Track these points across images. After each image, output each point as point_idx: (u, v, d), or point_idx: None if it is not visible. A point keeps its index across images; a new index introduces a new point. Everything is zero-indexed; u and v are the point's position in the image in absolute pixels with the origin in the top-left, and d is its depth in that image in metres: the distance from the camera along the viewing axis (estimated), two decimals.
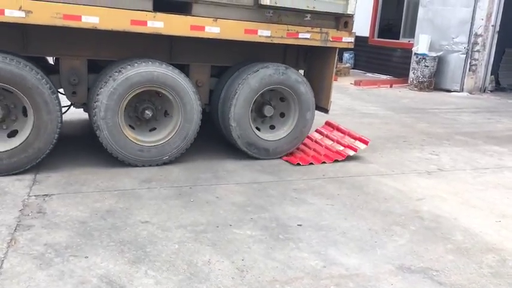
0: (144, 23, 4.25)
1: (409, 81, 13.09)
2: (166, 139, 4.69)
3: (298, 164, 5.09)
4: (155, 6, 4.30)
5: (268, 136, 5.19)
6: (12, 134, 4.29)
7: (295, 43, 5.01)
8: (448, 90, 12.75)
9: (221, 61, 5.23)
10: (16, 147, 4.17)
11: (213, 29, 4.52)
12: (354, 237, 3.46)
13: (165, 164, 4.72)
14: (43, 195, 3.81)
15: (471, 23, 12.39)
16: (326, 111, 5.58)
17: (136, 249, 3.05)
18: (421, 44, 12.79)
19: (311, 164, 5.12)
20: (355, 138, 5.60)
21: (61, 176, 4.22)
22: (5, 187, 3.92)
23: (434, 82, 12.81)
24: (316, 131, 5.96)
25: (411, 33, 13.89)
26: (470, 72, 12.71)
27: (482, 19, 12.30)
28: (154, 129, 4.79)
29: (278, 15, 4.81)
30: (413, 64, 12.91)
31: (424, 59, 12.58)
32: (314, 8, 4.81)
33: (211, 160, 4.98)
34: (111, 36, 4.39)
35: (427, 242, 3.47)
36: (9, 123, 4.30)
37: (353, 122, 7.39)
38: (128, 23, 4.19)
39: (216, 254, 3.08)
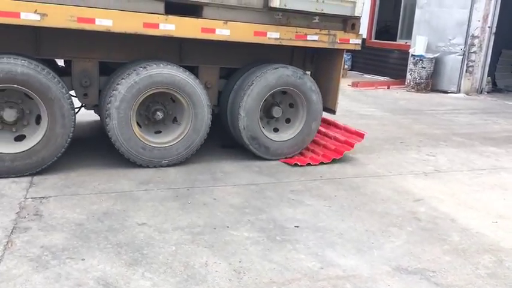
0: (156, 26, 4.32)
1: (406, 83, 13.13)
2: (170, 144, 4.72)
3: (296, 165, 5.10)
4: (167, 9, 4.37)
5: (272, 136, 5.23)
6: (19, 139, 4.30)
7: (304, 45, 5.08)
8: (445, 92, 12.79)
9: (230, 63, 5.29)
10: (21, 152, 4.17)
11: (223, 32, 4.59)
12: (351, 238, 3.47)
13: (162, 166, 4.71)
14: (40, 197, 3.80)
15: (468, 24, 12.44)
16: (333, 112, 5.66)
17: (133, 252, 3.05)
18: (418, 45, 12.83)
19: (309, 164, 5.13)
20: (351, 133, 5.62)
21: (58, 178, 4.21)
22: (1, 189, 3.91)
23: (432, 83, 12.85)
24: None
25: (408, 35, 13.94)
26: (467, 73, 12.75)
27: (479, 20, 12.35)
28: (160, 132, 4.82)
29: (287, 17, 4.87)
30: (410, 65, 12.95)
31: (421, 60, 12.62)
32: (322, 10, 4.89)
33: (208, 162, 4.98)
34: (122, 38, 4.44)
35: (424, 243, 3.48)
36: (19, 127, 4.31)
37: (350, 124, 7.33)
38: (140, 26, 4.26)
39: (213, 255, 3.08)
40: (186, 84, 4.64)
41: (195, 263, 2.97)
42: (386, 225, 3.75)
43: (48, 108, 4.19)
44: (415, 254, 3.29)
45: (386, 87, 13.04)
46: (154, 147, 4.64)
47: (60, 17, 3.97)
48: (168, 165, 4.73)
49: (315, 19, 4.98)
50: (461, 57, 12.64)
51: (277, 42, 4.88)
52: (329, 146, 5.53)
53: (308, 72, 5.52)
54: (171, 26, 4.36)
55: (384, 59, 14.59)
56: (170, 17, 4.35)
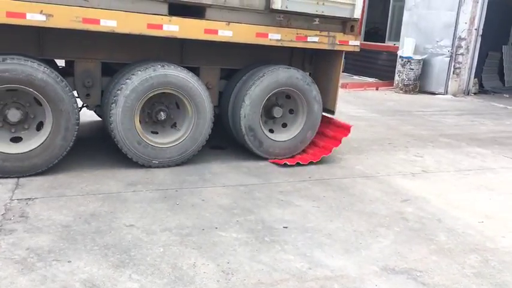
0: (160, 27, 4.35)
1: (394, 84, 13.23)
2: (165, 146, 4.74)
3: (285, 165, 5.12)
4: (170, 10, 4.40)
5: (268, 133, 5.26)
6: (15, 140, 4.27)
7: (304, 46, 5.13)
8: (433, 93, 12.91)
9: (231, 64, 5.34)
10: (15, 154, 4.14)
11: (225, 33, 4.64)
12: (339, 239, 3.48)
13: (151, 166, 4.69)
14: (26, 199, 3.76)
15: (455, 26, 12.58)
16: (332, 112, 5.70)
17: (121, 253, 3.03)
18: (406, 47, 12.94)
19: (298, 163, 5.15)
20: (338, 126, 5.63)
21: (44, 180, 4.17)
22: None
23: (419, 85, 12.96)
24: None
25: (396, 37, 14.05)
26: (454, 75, 12.89)
27: (466, 23, 12.49)
28: (157, 133, 4.83)
29: (288, 19, 4.93)
30: (398, 67, 13.05)
31: (409, 62, 12.73)
32: (323, 12, 4.95)
33: (197, 162, 4.97)
34: (125, 39, 4.48)
35: (411, 243, 3.50)
36: (18, 128, 4.29)
37: None
38: (144, 27, 4.29)
39: (201, 257, 3.07)
40: (197, 94, 4.74)
41: (183, 264, 2.95)
42: (374, 225, 3.77)
43: (55, 118, 4.22)
44: (402, 254, 3.32)
45: (375, 88, 13.12)
46: (149, 144, 4.63)
47: (66, 18, 3.99)
48: (158, 167, 4.71)
49: (315, 21, 5.06)
50: (449, 59, 12.77)
51: (279, 44, 4.93)
52: (317, 143, 5.55)
53: (307, 73, 5.58)
54: (175, 27, 4.41)
55: (372, 60, 14.68)
56: (174, 18, 4.40)
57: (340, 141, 5.43)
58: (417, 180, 5.06)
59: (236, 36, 4.70)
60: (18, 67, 4.00)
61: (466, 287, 2.97)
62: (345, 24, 5.23)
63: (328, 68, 5.65)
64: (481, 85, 14.18)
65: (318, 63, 5.83)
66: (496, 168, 5.80)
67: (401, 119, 8.75)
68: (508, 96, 13.70)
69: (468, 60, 12.96)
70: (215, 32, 4.59)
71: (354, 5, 5.07)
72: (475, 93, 13.52)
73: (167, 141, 4.77)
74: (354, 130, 7.07)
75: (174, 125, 4.89)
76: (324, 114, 5.61)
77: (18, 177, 4.17)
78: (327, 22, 5.12)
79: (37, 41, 4.38)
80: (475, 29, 12.68)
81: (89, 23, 4.08)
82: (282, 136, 5.35)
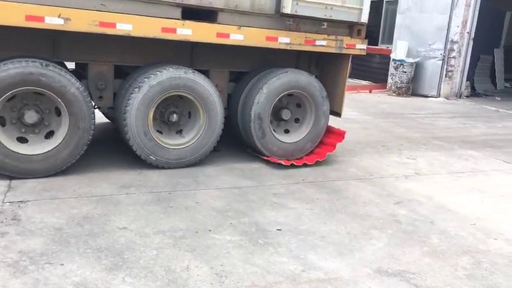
0: (174, 31, 4.43)
1: (387, 87, 13.32)
2: (167, 146, 4.77)
3: (280, 164, 5.14)
4: (183, 14, 4.49)
5: (272, 128, 5.31)
6: (22, 140, 4.29)
7: (313, 50, 5.22)
8: (426, 96, 13.00)
9: (239, 67, 5.45)
10: (17, 153, 4.14)
11: (237, 36, 4.73)
12: (332, 241, 3.49)
13: (146, 160, 4.68)
14: (18, 201, 3.73)
15: (447, 30, 12.69)
16: (339, 115, 5.79)
17: (114, 256, 3.01)
18: (399, 50, 13.03)
19: (292, 165, 5.17)
20: (333, 132, 5.68)
21: (37, 182, 4.14)
22: None
23: (412, 88, 13.05)
24: None
25: (389, 40, 14.15)
26: (447, 78, 12.99)
27: (458, 26, 12.60)
28: (161, 132, 4.87)
29: (297, 23, 5.02)
30: (391, 70, 13.15)
31: (402, 65, 12.82)
32: (331, 16, 5.06)
33: (190, 165, 4.96)
34: (136, 42, 4.54)
35: (404, 245, 3.52)
36: (28, 130, 4.31)
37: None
38: (158, 30, 4.37)
39: (194, 259, 3.06)
40: (213, 105, 4.85)
41: (177, 267, 2.95)
42: (367, 227, 3.79)
43: (70, 133, 4.30)
44: (395, 256, 3.33)
45: (368, 91, 13.20)
46: (153, 138, 4.65)
47: (83, 22, 4.06)
48: (152, 165, 4.71)
49: (324, 25, 5.15)
50: (441, 62, 12.88)
51: (288, 47, 5.02)
52: (313, 150, 5.57)
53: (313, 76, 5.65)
54: (188, 31, 4.48)
55: (366, 63, 14.75)
56: (187, 22, 4.47)
57: (335, 147, 5.47)
58: (410, 182, 5.08)
59: (247, 40, 4.79)
60: (57, 76, 4.12)
61: None
62: (352, 28, 5.34)
63: (334, 71, 5.75)
64: (473, 88, 14.31)
65: (324, 66, 5.93)
66: (487, 171, 5.84)
67: (394, 121, 8.80)
68: (499, 99, 13.83)
69: (460, 63, 13.07)
70: (227, 35, 4.69)
71: (361, 9, 5.18)
72: (467, 96, 13.64)
73: (179, 142, 4.85)
74: (348, 132, 7.12)
75: (180, 132, 4.97)
76: None
77: (11, 178, 4.14)
78: (335, 26, 5.24)
79: (52, 44, 4.45)
80: (467, 33, 12.80)
81: (105, 26, 4.16)
82: (284, 138, 5.41)
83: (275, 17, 4.91)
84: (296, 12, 4.82)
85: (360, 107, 10.26)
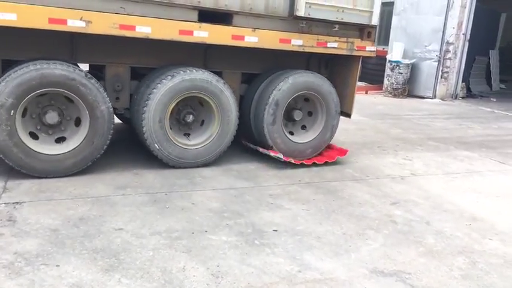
0: (191, 33, 4.55)
1: (383, 88, 13.35)
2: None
3: (276, 165, 5.21)
4: (200, 17, 4.60)
5: (284, 121, 5.46)
6: (33, 136, 4.32)
7: (324, 52, 5.33)
8: (421, 97, 13.05)
9: (251, 68, 5.55)
10: (28, 147, 4.16)
11: (251, 39, 4.84)
12: (328, 242, 3.50)
13: (154, 151, 4.73)
14: (13, 202, 3.72)
15: (443, 31, 12.75)
16: (349, 116, 5.90)
17: (110, 257, 3.01)
18: (395, 51, 13.08)
19: (290, 163, 5.24)
20: (337, 149, 5.75)
21: (32, 183, 4.13)
22: None
23: (408, 89, 13.10)
24: None
25: (385, 41, 14.19)
26: (442, 79, 13.05)
27: (454, 28, 12.66)
28: (170, 129, 4.88)
29: (309, 25, 5.15)
30: (387, 71, 13.19)
31: (398, 66, 12.86)
32: (342, 19, 5.17)
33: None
34: (152, 45, 4.64)
35: (399, 246, 3.53)
36: (43, 129, 4.37)
37: None
38: (176, 33, 4.48)
39: (191, 260, 3.06)
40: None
41: (173, 268, 2.94)
42: (363, 228, 3.79)
43: (81, 146, 4.36)
44: (391, 257, 3.34)
45: (364, 92, 13.23)
46: (166, 133, 4.72)
47: (104, 24, 4.16)
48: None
49: (335, 27, 5.27)
50: (437, 63, 12.93)
51: (300, 49, 5.12)
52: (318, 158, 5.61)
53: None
54: (205, 33, 4.60)
55: (362, 64, 14.70)
56: (204, 24, 4.59)
57: (335, 158, 5.52)
58: (406, 183, 5.10)
59: (261, 42, 4.90)
60: (95, 90, 4.30)
61: None
62: (362, 30, 5.45)
63: (344, 72, 5.85)
64: (468, 89, 14.37)
65: (333, 68, 6.01)
66: (483, 171, 5.87)
67: (390, 122, 8.83)
68: (495, 100, 13.90)
69: (456, 64, 13.13)
70: (242, 37, 4.80)
71: (371, 12, 5.29)
72: (462, 97, 13.69)
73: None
74: (344, 134, 7.15)
75: (188, 135, 5.04)
76: None
77: (6, 179, 4.13)
78: (346, 28, 5.34)
79: (70, 46, 4.55)
80: (463, 34, 12.86)
81: (125, 29, 4.25)
82: (291, 137, 5.48)
83: (288, 20, 5.01)
84: (309, 15, 4.94)
85: (356, 108, 10.17)
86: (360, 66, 5.73)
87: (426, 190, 4.90)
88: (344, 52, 5.39)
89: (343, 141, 6.52)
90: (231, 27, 4.75)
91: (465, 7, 12.63)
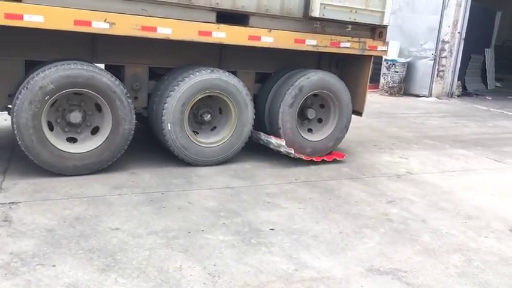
0: (209, 34, 4.67)
1: (380, 87, 13.37)
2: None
3: (273, 164, 5.26)
4: (217, 18, 4.71)
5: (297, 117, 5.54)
6: (50, 127, 4.36)
7: (337, 51, 5.45)
8: (417, 95, 13.08)
9: (265, 68, 5.67)
10: (43, 133, 4.20)
11: (267, 39, 4.96)
12: (325, 240, 3.50)
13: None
14: (9, 203, 3.71)
15: (438, 30, 12.78)
16: (360, 114, 6.03)
17: (106, 257, 3.00)
18: (391, 50, 13.07)
19: (311, 160, 5.38)
20: (335, 154, 5.76)
21: (28, 183, 4.11)
22: None
23: (404, 87, 13.12)
24: None
25: None
26: (438, 77, 13.08)
27: (449, 26, 12.69)
28: (188, 128, 4.93)
29: (323, 26, 5.26)
30: (383, 70, 13.20)
31: (393, 65, 12.88)
32: (355, 19, 5.28)
33: (183, 166, 4.95)
34: (170, 45, 4.72)
35: (396, 244, 3.54)
36: (61, 124, 4.44)
37: None
38: (196, 34, 4.60)
39: (187, 259, 3.06)
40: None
41: (169, 268, 2.94)
42: (359, 226, 3.80)
43: (92, 152, 4.42)
44: (387, 255, 3.35)
45: None
46: (184, 131, 4.81)
47: (127, 26, 4.26)
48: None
49: (348, 27, 5.38)
50: (432, 61, 12.96)
51: (314, 49, 5.24)
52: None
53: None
54: (223, 34, 4.71)
55: None
56: (222, 25, 4.70)
57: (332, 159, 5.57)
58: (402, 181, 5.11)
59: (276, 42, 5.01)
60: (127, 108, 4.46)
61: (449, 287, 3.01)
62: (374, 30, 5.57)
63: (356, 71, 5.95)
64: (464, 88, 14.41)
65: (344, 67, 6.10)
66: (478, 170, 5.89)
67: (386, 121, 8.85)
68: (490, 98, 13.95)
69: (451, 63, 13.17)
70: (258, 38, 4.91)
71: (383, 12, 5.39)
72: (458, 96, 13.74)
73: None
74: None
75: (195, 133, 5.08)
76: None
77: (1, 179, 4.11)
78: (358, 29, 5.46)
79: (91, 47, 4.63)
80: (458, 33, 12.90)
81: (147, 30, 4.36)
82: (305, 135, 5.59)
83: (302, 20, 5.12)
84: (323, 15, 5.04)
85: None
86: (371, 66, 5.85)
87: (422, 188, 4.91)
88: (356, 52, 5.51)
89: None
90: (247, 28, 4.87)
91: (460, 5, 12.66)
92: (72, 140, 4.47)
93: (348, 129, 5.81)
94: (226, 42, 4.76)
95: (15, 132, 4.10)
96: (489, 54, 16.14)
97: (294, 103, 5.29)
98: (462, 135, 8.12)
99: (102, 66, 5.00)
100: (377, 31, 5.56)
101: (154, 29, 4.39)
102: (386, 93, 12.98)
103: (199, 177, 4.68)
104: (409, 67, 13.12)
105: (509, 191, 5.08)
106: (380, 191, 4.72)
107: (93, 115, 4.53)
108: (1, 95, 4.44)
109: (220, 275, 2.91)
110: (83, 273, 2.80)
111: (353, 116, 5.93)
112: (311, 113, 5.58)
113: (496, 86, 16.73)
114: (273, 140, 5.27)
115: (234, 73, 5.21)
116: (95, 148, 4.42)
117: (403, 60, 12.95)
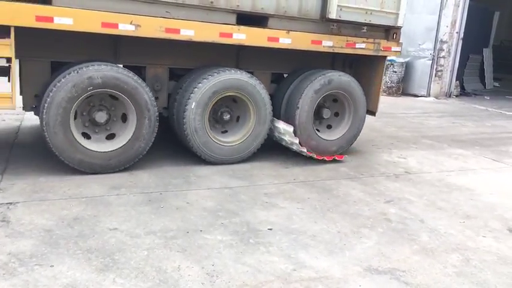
0: (230, 35, 4.79)
1: None
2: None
3: (271, 164, 5.30)
4: (237, 20, 4.83)
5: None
6: (75, 116, 4.45)
7: (353, 52, 5.57)
8: (416, 95, 13.09)
9: (280, 68, 5.80)
10: (67, 120, 4.27)
11: (285, 40, 5.07)
12: (323, 240, 3.51)
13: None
14: (7, 203, 3.70)
15: (437, 30, 12.79)
16: (374, 114, 6.16)
17: (104, 257, 3.00)
18: None
19: (323, 159, 5.48)
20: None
21: (26, 184, 4.11)
22: None
23: (402, 87, 13.13)
24: None
25: None
26: (436, 77, 13.10)
27: (447, 26, 12.71)
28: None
29: (339, 27, 5.36)
30: None
31: (392, 65, 12.89)
32: (370, 21, 5.41)
33: (182, 166, 4.95)
34: (190, 47, 4.86)
35: (394, 244, 3.54)
36: (85, 117, 4.55)
37: None
38: (217, 35, 4.72)
39: (185, 259, 3.06)
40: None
41: (168, 268, 2.94)
42: (358, 226, 3.81)
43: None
44: (385, 254, 3.35)
45: None
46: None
47: (151, 28, 4.39)
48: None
49: (363, 29, 5.50)
50: (431, 61, 12.98)
51: (330, 50, 5.36)
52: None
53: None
54: (243, 36, 4.83)
55: None
56: (242, 27, 4.82)
57: (332, 158, 5.59)
58: (400, 181, 5.12)
59: (294, 43, 5.11)
60: (151, 126, 4.63)
61: (448, 286, 3.01)
62: (388, 31, 5.70)
63: (369, 72, 6.06)
64: (462, 87, 14.44)
65: (357, 68, 6.18)
66: (476, 169, 5.90)
67: (384, 121, 8.85)
68: (488, 98, 13.98)
69: (450, 63, 13.18)
70: (276, 39, 5.02)
71: (397, 14, 5.49)
72: (456, 96, 13.76)
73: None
74: None
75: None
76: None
77: None
78: (373, 30, 5.58)
79: (114, 49, 4.75)
80: (456, 32, 12.91)
81: (170, 32, 4.48)
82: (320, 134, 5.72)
83: (319, 22, 5.23)
84: (340, 17, 5.16)
85: None
86: (385, 66, 5.96)
87: (420, 188, 4.92)
88: (371, 52, 5.61)
89: None
90: (266, 29, 4.98)
91: (458, 6, 12.68)
92: (86, 135, 4.52)
93: (362, 128, 5.95)
94: (246, 43, 4.87)
95: (45, 107, 4.15)
96: (487, 54, 16.17)
97: (311, 102, 5.38)
98: (460, 135, 8.13)
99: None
100: (391, 32, 5.68)
101: (177, 31, 4.49)
102: (384, 93, 12.97)
103: (197, 177, 4.68)
104: (408, 67, 13.13)
105: (507, 191, 5.09)
106: (378, 190, 4.73)
107: (116, 123, 4.66)
108: (28, 95, 4.61)
109: (219, 274, 2.91)
110: (81, 274, 2.79)
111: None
112: (326, 113, 5.69)
113: (494, 86, 16.76)
114: (283, 126, 5.32)
115: (251, 74, 5.29)
116: (102, 152, 4.46)
117: (401, 60, 12.96)
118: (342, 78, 5.56)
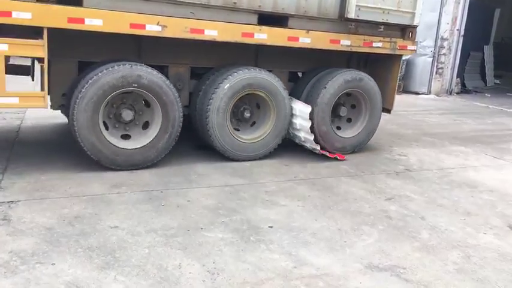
0: (252, 35, 4.90)
1: None
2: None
3: (271, 162, 5.30)
4: (259, 20, 4.94)
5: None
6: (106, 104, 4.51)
7: (370, 51, 5.69)
8: (416, 93, 13.08)
9: (298, 67, 5.91)
10: (98, 114, 4.38)
11: (305, 40, 5.17)
12: (324, 238, 3.51)
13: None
14: (8, 201, 3.71)
15: (437, 27, 12.77)
16: (389, 111, 6.34)
17: (105, 255, 3.01)
18: None
19: (336, 158, 5.57)
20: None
21: (27, 182, 4.12)
22: None
23: (403, 85, 13.11)
24: None
25: None
26: (437, 75, 13.08)
27: (448, 23, 12.68)
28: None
29: (357, 26, 5.47)
30: None
31: None
32: (387, 20, 5.51)
33: (182, 164, 4.96)
34: (210, 46, 4.95)
35: (394, 241, 3.55)
36: (112, 109, 4.64)
37: None
38: (239, 35, 4.82)
39: (186, 257, 3.07)
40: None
41: (169, 265, 2.95)
42: (358, 223, 3.81)
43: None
44: (386, 252, 3.36)
45: None
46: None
47: (177, 28, 4.50)
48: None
49: (380, 28, 5.62)
50: (431, 59, 12.95)
51: (348, 49, 5.47)
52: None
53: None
54: (264, 35, 4.94)
55: None
56: (263, 27, 4.93)
57: (334, 156, 5.62)
58: (401, 179, 5.12)
59: (313, 43, 5.22)
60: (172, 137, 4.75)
61: (448, 283, 3.01)
62: (404, 30, 5.82)
63: (385, 70, 6.18)
64: (463, 85, 14.41)
65: (373, 66, 6.25)
66: (477, 166, 5.90)
67: (385, 118, 8.79)
68: (489, 95, 13.96)
69: (450, 60, 13.16)
70: (296, 39, 5.12)
71: (413, 13, 5.59)
72: (457, 93, 13.74)
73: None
74: None
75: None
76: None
77: (0, 178, 4.11)
78: (389, 29, 5.69)
79: (138, 49, 4.87)
80: (457, 30, 12.89)
81: (195, 32, 4.59)
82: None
83: (337, 22, 5.32)
84: (358, 16, 5.26)
85: None
86: (400, 64, 6.05)
87: (421, 185, 4.92)
88: (387, 51, 5.72)
89: None
90: (287, 29, 5.07)
91: (459, 3, 12.66)
92: (105, 125, 4.59)
93: (377, 126, 6.09)
94: (267, 43, 4.96)
95: (89, 83, 4.25)
96: (488, 51, 16.14)
97: (329, 100, 5.48)
98: (461, 132, 8.12)
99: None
100: (407, 31, 5.78)
101: (202, 31, 4.60)
102: None
103: (198, 175, 4.68)
104: (408, 64, 13.11)
105: (508, 188, 5.09)
106: (379, 188, 4.73)
107: (137, 127, 4.73)
108: (56, 94, 4.71)
109: (220, 272, 2.92)
110: (83, 271, 2.80)
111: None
112: (343, 111, 5.80)
113: (495, 83, 16.73)
114: (300, 107, 5.36)
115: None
116: (112, 144, 4.49)
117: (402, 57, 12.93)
118: (358, 76, 5.66)
